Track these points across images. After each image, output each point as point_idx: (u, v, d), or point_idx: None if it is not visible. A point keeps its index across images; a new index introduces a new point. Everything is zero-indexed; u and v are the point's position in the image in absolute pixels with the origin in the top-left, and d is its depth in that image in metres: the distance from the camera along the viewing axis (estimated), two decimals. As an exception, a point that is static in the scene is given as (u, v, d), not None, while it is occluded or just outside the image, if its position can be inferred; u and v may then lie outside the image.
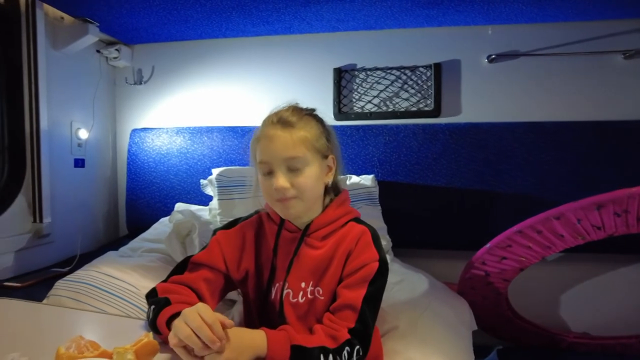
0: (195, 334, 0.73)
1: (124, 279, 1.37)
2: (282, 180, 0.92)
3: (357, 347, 0.86)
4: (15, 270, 1.64)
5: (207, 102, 2.22)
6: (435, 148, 1.95)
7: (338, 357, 0.83)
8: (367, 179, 1.85)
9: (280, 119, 0.95)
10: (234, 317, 1.38)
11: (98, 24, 1.92)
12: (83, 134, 2.01)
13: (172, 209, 2.00)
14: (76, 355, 0.72)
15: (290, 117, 0.95)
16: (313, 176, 0.94)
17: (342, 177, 1.09)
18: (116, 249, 1.73)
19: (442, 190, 1.93)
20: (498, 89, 2.00)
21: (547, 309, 1.98)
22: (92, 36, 1.91)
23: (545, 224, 1.38)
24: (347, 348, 0.85)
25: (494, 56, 1.97)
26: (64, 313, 1.10)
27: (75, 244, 1.89)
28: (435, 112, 2.01)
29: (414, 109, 2.04)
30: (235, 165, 2.00)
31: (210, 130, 2.12)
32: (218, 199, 1.78)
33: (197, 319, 0.74)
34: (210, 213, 1.81)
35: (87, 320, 1.03)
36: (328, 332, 0.87)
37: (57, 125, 1.85)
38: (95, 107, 2.13)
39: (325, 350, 0.82)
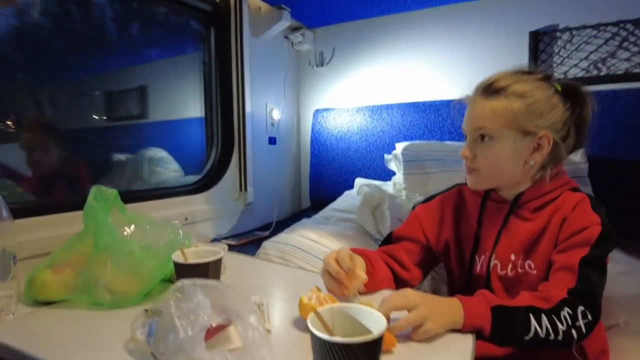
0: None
1: (323, 243, 1.46)
2: (465, 149, 0.91)
3: (581, 307, 0.73)
4: (229, 231, 1.90)
5: (387, 79, 2.21)
6: (667, 116, 1.59)
7: (555, 319, 0.71)
8: (574, 153, 1.61)
9: (484, 85, 0.89)
10: (425, 291, 1.37)
11: (290, 10, 2.06)
12: (276, 114, 2.21)
13: (352, 184, 2.07)
14: (318, 306, 0.77)
15: (499, 82, 0.87)
16: (500, 155, 0.87)
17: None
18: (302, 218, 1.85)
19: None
20: None
21: None
22: (285, 22, 2.05)
23: None
24: (566, 309, 0.72)
25: None
26: (274, 267, 1.27)
27: (270, 211, 2.10)
28: (668, 73, 1.64)
29: (636, 70, 1.69)
30: (416, 140, 1.96)
31: (389, 107, 2.11)
32: (403, 174, 1.77)
33: (334, 266, 0.82)
34: (395, 187, 1.81)
35: (294, 275, 1.17)
36: (537, 294, 0.77)
37: (256, 106, 2.06)
38: (285, 89, 2.32)
39: (535, 310, 0.72)
